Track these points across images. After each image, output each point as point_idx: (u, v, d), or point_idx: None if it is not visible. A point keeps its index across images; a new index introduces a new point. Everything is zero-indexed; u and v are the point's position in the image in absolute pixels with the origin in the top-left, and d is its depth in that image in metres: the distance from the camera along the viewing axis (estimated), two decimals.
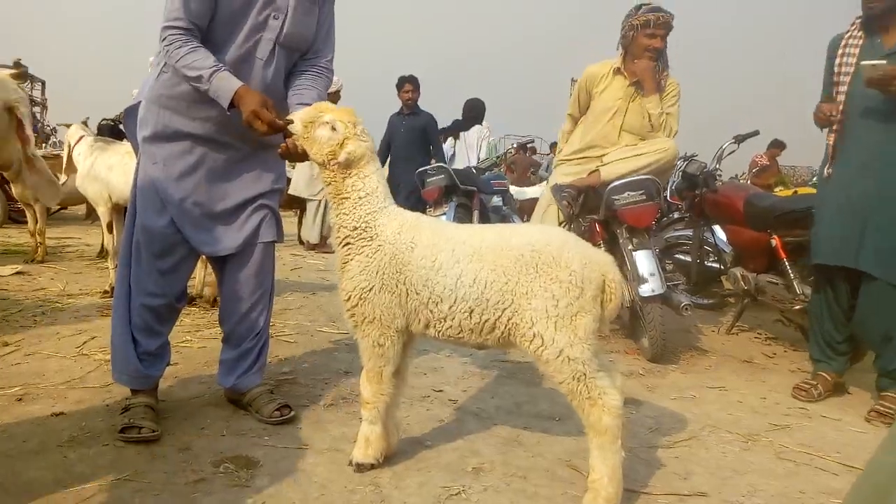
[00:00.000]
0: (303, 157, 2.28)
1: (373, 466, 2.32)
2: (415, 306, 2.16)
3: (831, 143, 3.31)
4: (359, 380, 3.19)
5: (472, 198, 5.94)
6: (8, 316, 4.10)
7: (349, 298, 2.20)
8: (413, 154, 7.14)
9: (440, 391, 3.22)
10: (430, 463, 2.43)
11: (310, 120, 2.21)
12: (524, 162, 12.61)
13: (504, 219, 6.31)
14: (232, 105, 2.39)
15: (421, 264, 2.13)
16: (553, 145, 15.96)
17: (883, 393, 3.25)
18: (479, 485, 2.28)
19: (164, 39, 2.42)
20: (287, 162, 2.73)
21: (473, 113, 8.00)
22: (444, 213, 5.91)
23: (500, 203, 6.37)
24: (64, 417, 2.60)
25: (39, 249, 6.21)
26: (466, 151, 7.77)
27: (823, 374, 3.49)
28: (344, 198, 2.20)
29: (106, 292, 4.76)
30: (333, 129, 2.18)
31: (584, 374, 2.04)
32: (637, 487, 2.30)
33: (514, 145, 8.55)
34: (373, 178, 2.23)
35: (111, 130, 7.63)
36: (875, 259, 3.13)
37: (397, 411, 2.44)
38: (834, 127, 3.28)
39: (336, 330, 4.22)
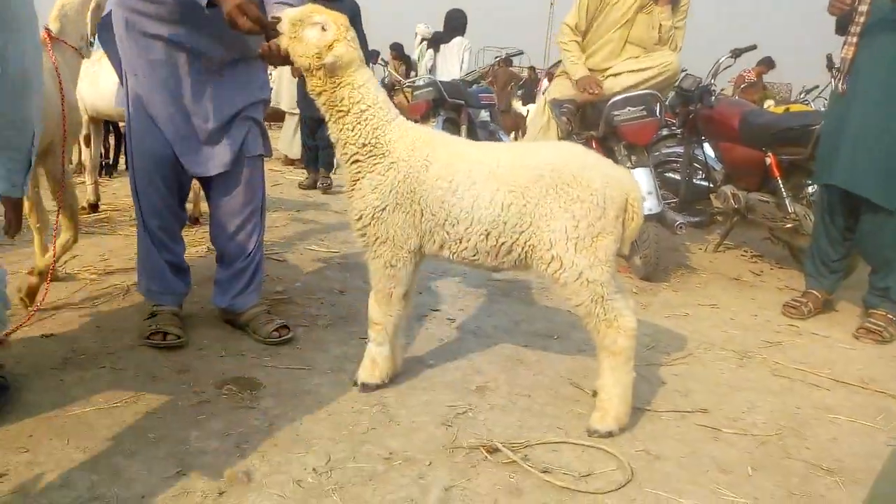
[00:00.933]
0: (283, 60, 2.13)
1: (378, 387, 2.30)
2: (429, 227, 2.08)
3: (848, 56, 3.18)
4: (354, 299, 3.21)
5: (461, 112, 5.76)
6: None
7: (360, 218, 2.11)
8: None
9: (437, 310, 3.20)
10: (434, 382, 2.42)
11: (299, 19, 2.05)
12: (504, 75, 12.28)
13: (492, 135, 6.15)
14: (211, 4, 2.20)
15: (437, 184, 2.04)
16: (531, 69, 15.60)
17: (871, 310, 3.30)
18: (485, 403, 2.28)
19: None
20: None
21: (454, 24, 7.67)
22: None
23: (488, 118, 6.19)
24: (54, 339, 2.52)
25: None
26: (447, 65, 7.50)
27: (814, 291, 3.53)
28: (341, 111, 2.07)
29: (84, 208, 4.58)
30: (324, 28, 2.03)
31: (603, 297, 2.01)
32: (640, 405, 2.32)
33: (501, 56, 8.22)
34: (369, 87, 2.10)
35: None
36: (882, 186, 3.08)
37: (402, 333, 2.40)
38: (852, 39, 3.15)
39: (325, 248, 4.14)
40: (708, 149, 4.97)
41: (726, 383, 2.61)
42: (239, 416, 2.07)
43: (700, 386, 2.56)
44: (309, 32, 2.03)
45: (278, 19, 2.08)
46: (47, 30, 2.99)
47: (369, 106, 2.08)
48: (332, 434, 2.01)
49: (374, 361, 2.28)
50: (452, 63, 7.45)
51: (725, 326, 3.27)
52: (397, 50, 12.50)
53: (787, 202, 4.02)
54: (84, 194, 4.81)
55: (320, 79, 2.06)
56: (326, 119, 2.14)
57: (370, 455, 1.91)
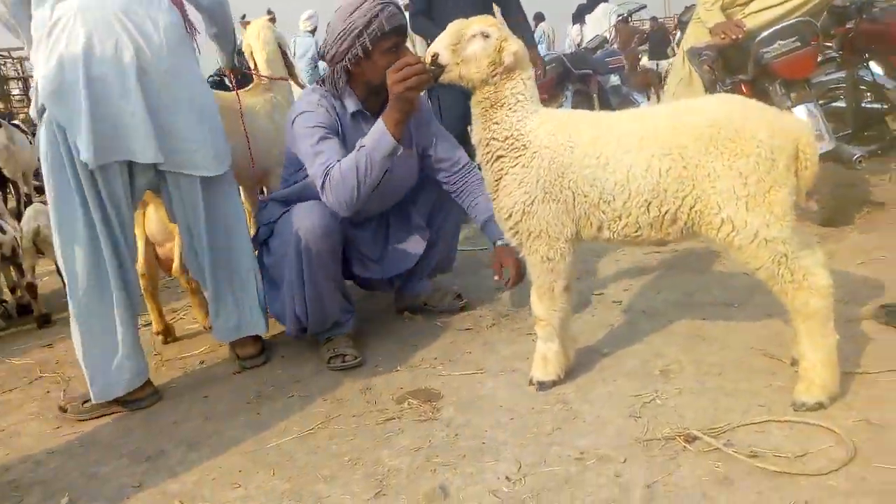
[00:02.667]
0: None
1: (554, 383, 2.24)
2: (584, 210, 1.99)
3: None
4: (513, 296, 3.17)
5: (589, 82, 5.54)
6: (167, 282, 4.31)
7: (510, 216, 2.06)
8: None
9: (601, 294, 3.08)
10: (613, 371, 2.32)
11: (455, 42, 2.01)
12: (626, 33, 11.76)
13: (625, 98, 5.87)
14: (394, 136, 2.32)
15: (585, 163, 1.95)
16: (654, 19, 14.78)
17: None
18: (671, 388, 2.15)
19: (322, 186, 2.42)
20: None
21: None
22: (561, 105, 5.56)
23: (619, 82, 5.91)
24: (247, 374, 2.69)
25: None
26: (597, 33, 7.27)
27: None
28: (499, 105, 2.02)
29: None
30: (486, 36, 1.98)
31: (786, 256, 1.82)
32: (849, 368, 2.08)
33: (622, 15, 7.84)
34: (532, 80, 2.05)
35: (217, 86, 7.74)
36: None
37: (570, 324, 2.32)
38: None
39: (475, 246, 4.13)
40: (875, 67, 4.41)
41: None
42: (424, 430, 2.09)
43: None
44: (473, 47, 2.00)
45: (435, 54, 2.04)
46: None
47: (527, 98, 2.03)
48: (518, 438, 1.98)
49: (546, 358, 2.22)
50: (602, 30, 7.22)
51: None
52: None
53: None
54: None
55: (493, 85, 2.01)
56: (475, 123, 2.09)
57: (561, 457, 1.86)
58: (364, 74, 2.56)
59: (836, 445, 1.75)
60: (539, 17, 14.44)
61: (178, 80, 2.37)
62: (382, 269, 2.89)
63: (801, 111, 3.28)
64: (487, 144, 2.06)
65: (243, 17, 3.61)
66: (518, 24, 4.19)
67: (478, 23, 2.00)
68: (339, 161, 2.40)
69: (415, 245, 2.89)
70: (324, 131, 2.49)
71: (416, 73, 2.11)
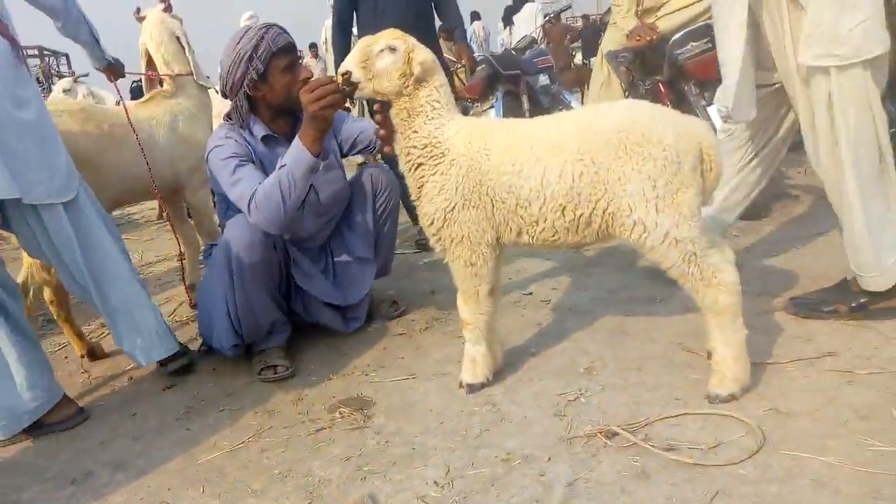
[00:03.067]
0: (383, 107, 2.12)
1: (483, 386, 2.28)
2: (503, 216, 2.04)
3: None
4: (446, 299, 3.20)
5: (519, 83, 5.62)
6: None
7: (432, 223, 2.10)
8: (412, 22, 3.63)
9: (529, 293, 3.15)
10: (539, 371, 2.38)
11: (364, 58, 2.03)
12: (557, 32, 11.92)
13: (555, 98, 5.98)
14: (312, 153, 2.33)
15: (501, 170, 1.99)
16: (585, 17, 15.04)
17: None
18: (595, 385, 2.22)
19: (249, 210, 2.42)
20: None
21: None
22: (492, 107, 5.63)
23: (548, 82, 6.02)
24: (176, 390, 2.65)
25: None
26: (523, 34, 7.37)
27: None
28: (416, 114, 2.05)
29: (183, 255, 4.80)
30: (393, 49, 2.00)
31: (695, 255, 1.91)
32: (760, 359, 2.20)
33: (549, 14, 7.96)
34: (446, 87, 2.09)
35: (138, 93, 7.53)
36: None
37: (497, 326, 2.37)
38: None
39: (410, 250, 4.15)
40: None
41: (852, 319, 2.42)
42: (355, 439, 2.11)
43: (824, 327, 2.40)
44: (382, 62, 2.02)
45: (346, 72, 2.05)
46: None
47: (442, 105, 2.06)
48: (447, 443, 2.01)
49: (474, 361, 2.26)
50: (531, 30, 7.31)
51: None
52: (446, 32, 12.38)
53: None
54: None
55: (408, 95, 2.04)
56: (398, 128, 2.10)
57: (488, 459, 1.90)
58: (265, 98, 2.62)
59: (746, 435, 1.84)
60: (475, 16, 14.54)
61: (20, 110, 2.25)
62: (331, 294, 2.87)
63: (714, 110, 3.41)
64: (408, 154, 2.09)
65: (137, 10, 3.29)
66: (449, 19, 4.19)
67: (384, 37, 2.03)
68: (260, 183, 2.41)
69: (363, 276, 2.94)
70: (238, 160, 2.52)
71: (330, 92, 2.14)
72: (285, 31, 2.60)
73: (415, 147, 2.07)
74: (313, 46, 12.70)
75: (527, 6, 7.23)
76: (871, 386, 2.00)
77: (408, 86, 2.02)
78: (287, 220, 2.42)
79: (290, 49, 2.60)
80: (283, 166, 2.35)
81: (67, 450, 2.29)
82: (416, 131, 2.05)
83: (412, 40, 2.05)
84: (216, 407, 2.45)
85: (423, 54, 2.01)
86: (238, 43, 2.56)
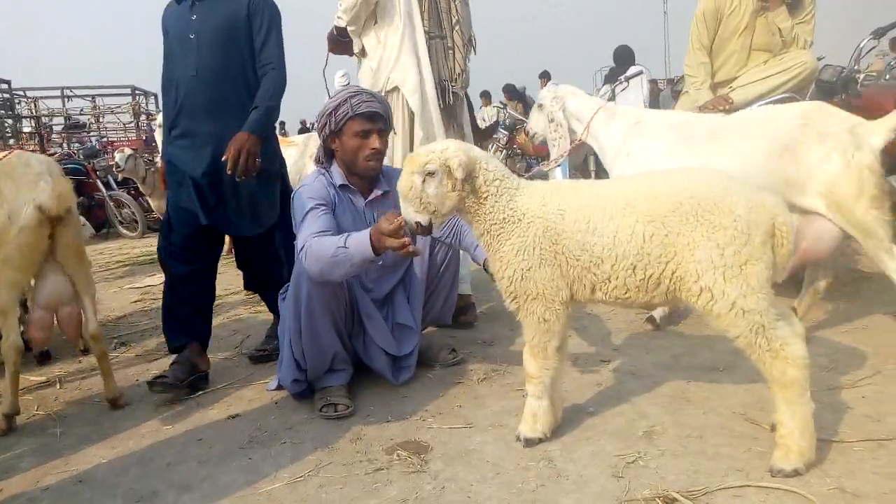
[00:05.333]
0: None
1: (541, 441, 2.30)
2: (577, 273, 2.10)
3: None
4: (503, 351, 3.24)
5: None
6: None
7: (511, 283, 2.17)
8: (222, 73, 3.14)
9: (589, 353, 3.15)
10: (598, 431, 2.38)
11: (416, 198, 2.15)
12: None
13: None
14: (375, 253, 2.47)
15: (575, 228, 2.06)
16: (653, 82, 15.18)
17: None
18: (654, 449, 2.21)
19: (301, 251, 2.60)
20: None
21: (626, 57, 8.09)
22: (559, 165, 5.69)
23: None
24: (240, 419, 2.75)
25: None
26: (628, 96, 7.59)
27: None
28: (483, 200, 2.16)
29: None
30: (430, 174, 2.13)
31: (763, 326, 1.91)
32: (827, 436, 2.15)
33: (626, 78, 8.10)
34: (491, 160, 2.20)
35: None
36: None
37: (560, 383, 2.39)
38: None
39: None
40: None
41: None
42: (412, 482, 2.14)
43: (894, 408, 2.33)
44: (430, 190, 2.14)
45: (417, 224, 2.19)
46: None
47: (501, 179, 2.17)
48: (503, 494, 2.03)
49: (535, 415, 2.29)
50: (637, 94, 7.54)
51: None
52: (510, 91, 12.67)
53: None
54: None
55: (468, 192, 2.16)
56: (472, 220, 2.22)
57: None
58: (338, 152, 2.88)
59: None
60: (545, 75, 14.86)
61: None
62: (388, 341, 2.95)
63: None
64: (487, 233, 2.19)
65: None
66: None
67: (415, 168, 2.13)
68: (322, 233, 2.59)
69: (411, 335, 3.02)
70: (314, 203, 2.73)
71: (406, 251, 2.36)
72: (376, 100, 2.84)
73: (494, 224, 2.17)
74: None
75: (632, 69, 7.47)
76: None
77: (461, 195, 2.14)
78: (326, 280, 2.59)
79: (369, 116, 2.80)
80: (345, 247, 2.48)
81: (136, 469, 2.40)
82: (490, 212, 2.16)
83: (434, 149, 2.15)
84: (278, 439, 2.53)
85: (456, 157, 2.10)
86: (330, 99, 2.86)
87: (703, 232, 1.93)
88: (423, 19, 3.38)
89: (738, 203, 1.92)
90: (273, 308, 3.46)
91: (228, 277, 5.74)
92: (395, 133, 3.29)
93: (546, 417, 2.29)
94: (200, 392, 3.03)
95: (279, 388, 2.94)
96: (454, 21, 3.45)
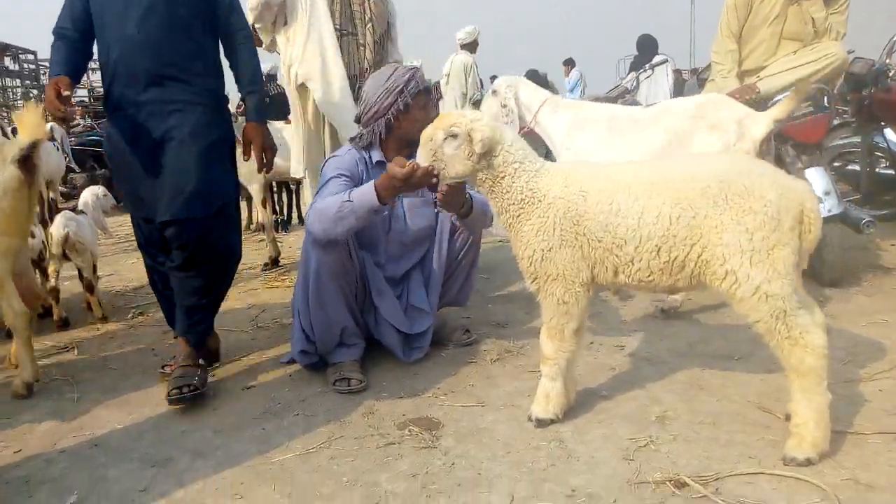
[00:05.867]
0: (458, 191, 2.42)
1: (552, 422, 2.30)
2: (599, 255, 2.09)
3: None
4: (517, 332, 3.24)
5: None
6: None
7: (530, 263, 2.17)
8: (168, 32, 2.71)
9: (605, 337, 3.14)
10: (610, 414, 2.37)
11: (431, 150, 2.18)
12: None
13: None
14: (381, 201, 2.47)
15: (598, 210, 2.05)
16: (677, 72, 15.07)
17: None
18: (666, 434, 2.20)
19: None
20: None
21: (650, 46, 8.21)
22: None
23: None
24: (254, 390, 2.77)
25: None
26: (656, 87, 7.53)
27: None
28: (501, 179, 2.15)
29: (266, 265, 5.02)
30: (453, 135, 2.13)
31: (785, 312, 1.89)
32: (842, 427, 2.13)
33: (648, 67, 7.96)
34: (516, 143, 2.18)
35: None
36: None
37: (574, 366, 2.38)
38: None
39: (485, 282, 4.21)
40: (890, 134, 4.51)
41: None
42: (423, 457, 2.15)
43: None
44: (448, 150, 2.15)
45: (423, 170, 2.22)
46: None
47: (521, 162, 2.15)
48: (513, 472, 2.03)
49: (548, 396, 2.28)
50: (662, 83, 7.53)
51: None
52: (533, 77, 12.57)
53: None
54: (264, 252, 5.29)
55: (484, 167, 2.16)
56: (488, 195, 2.23)
57: (553, 493, 1.91)
58: (402, 127, 2.86)
59: (822, 501, 1.79)
60: (570, 62, 14.74)
61: None
62: (400, 319, 2.95)
63: (811, 174, 3.36)
64: (506, 211, 2.19)
65: None
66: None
67: (442, 125, 2.15)
68: (332, 198, 2.59)
69: (426, 317, 3.02)
70: (339, 174, 2.75)
71: (424, 178, 2.29)
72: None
73: (513, 204, 2.16)
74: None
75: (657, 57, 7.43)
76: None
77: (476, 165, 2.13)
78: (330, 238, 2.59)
79: (429, 91, 2.89)
80: (349, 199, 2.51)
81: (151, 435, 2.43)
82: (507, 192, 2.15)
83: (469, 117, 2.15)
84: (291, 411, 2.55)
85: (481, 131, 2.09)
86: (390, 77, 2.83)
87: (733, 215, 1.91)
88: (334, 17, 3.56)
89: (768, 187, 1.90)
90: (190, 330, 2.82)
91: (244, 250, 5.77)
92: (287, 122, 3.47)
93: (559, 399, 2.28)
94: (217, 365, 3.06)
95: (292, 361, 2.96)
96: (367, 18, 3.63)
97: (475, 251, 3.12)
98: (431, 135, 2.18)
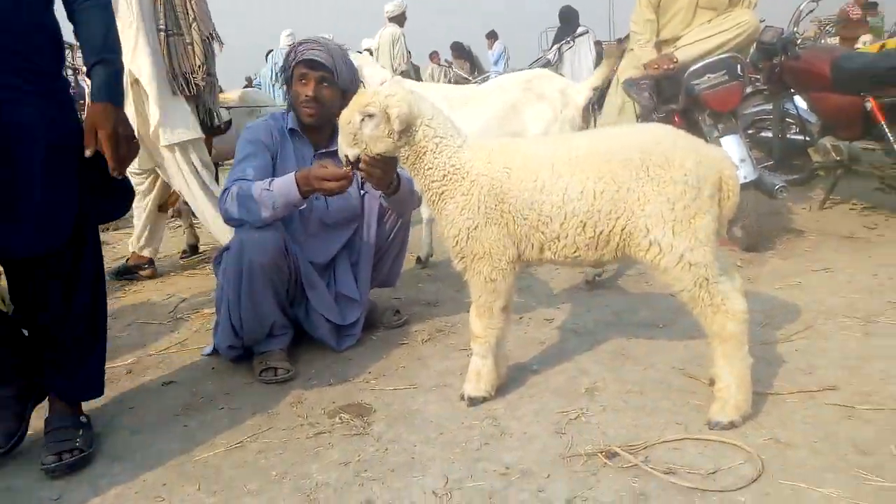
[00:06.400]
0: (386, 164, 2.26)
1: (485, 399, 2.28)
2: (524, 232, 2.06)
3: None
4: (448, 311, 3.21)
5: None
6: None
7: (456, 242, 2.13)
8: None
9: (534, 311, 3.15)
10: (541, 388, 2.38)
11: (350, 133, 2.12)
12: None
13: None
14: (301, 195, 2.47)
15: (522, 187, 2.02)
16: (598, 43, 15.26)
17: None
18: (596, 405, 2.22)
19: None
20: None
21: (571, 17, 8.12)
22: None
23: None
24: (175, 386, 2.65)
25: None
26: (578, 58, 7.57)
27: None
28: (423, 154, 2.10)
29: (185, 252, 4.82)
30: (370, 115, 2.07)
31: (707, 280, 1.92)
32: (762, 389, 2.19)
33: (570, 39, 8.03)
34: (437, 117, 2.12)
35: None
36: None
37: (504, 342, 2.37)
38: None
39: (415, 261, 4.16)
40: (799, 101, 4.68)
41: (854, 354, 2.43)
42: (354, 444, 2.11)
43: (825, 361, 2.40)
44: (366, 130, 2.09)
45: (346, 157, 2.18)
46: None
47: (442, 137, 2.10)
48: (446, 453, 2.01)
49: (479, 374, 2.27)
50: (585, 56, 7.59)
51: (844, 291, 3.06)
52: (458, 49, 12.51)
53: (895, 146, 3.72)
54: (182, 239, 5.06)
55: (405, 143, 2.10)
56: (411, 172, 2.18)
57: (487, 472, 1.90)
58: (292, 97, 2.83)
59: (745, 463, 1.84)
60: (493, 35, 14.70)
61: None
62: (331, 310, 2.87)
63: (727, 142, 3.45)
64: (429, 188, 2.14)
65: None
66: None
67: (358, 106, 2.09)
68: (248, 180, 2.56)
69: (355, 306, 2.95)
70: (252, 147, 2.71)
71: (339, 181, 2.37)
72: (323, 49, 2.75)
73: (435, 181, 2.11)
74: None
75: (579, 29, 7.57)
76: (871, 422, 2.00)
77: (398, 143, 2.08)
78: (240, 222, 2.57)
79: (310, 63, 2.72)
80: (269, 189, 2.47)
81: None
82: (430, 168, 2.10)
83: (384, 93, 2.08)
84: (215, 406, 2.45)
85: (397, 107, 2.03)
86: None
87: (654, 186, 1.92)
88: (158, 17, 3.64)
89: (687, 157, 1.92)
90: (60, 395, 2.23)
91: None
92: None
93: (490, 376, 2.27)
94: (129, 360, 2.90)
95: (215, 352, 2.85)
96: (191, 19, 3.74)
97: (405, 232, 3.05)
98: (349, 117, 2.11)
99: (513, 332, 2.87)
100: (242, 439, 2.19)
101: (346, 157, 2.18)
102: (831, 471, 1.78)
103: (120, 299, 3.87)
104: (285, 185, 2.46)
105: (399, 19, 8.62)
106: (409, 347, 2.85)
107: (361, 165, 2.19)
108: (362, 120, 2.08)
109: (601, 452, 1.92)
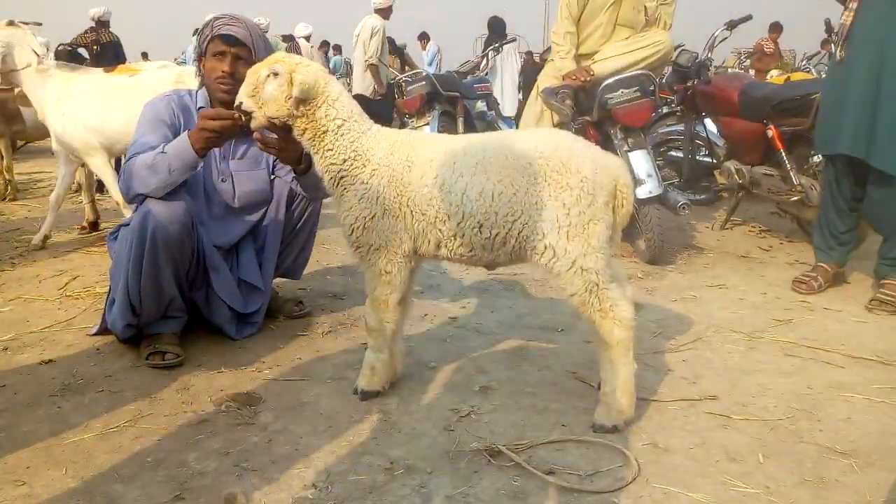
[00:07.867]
0: (283, 130, 2.15)
1: (378, 394, 2.26)
2: (421, 227, 2.05)
3: (847, 22, 3.10)
4: (353, 304, 3.18)
5: (457, 104, 5.69)
6: None
7: (352, 231, 2.09)
8: None
9: (438, 309, 3.16)
10: (436, 384, 2.38)
11: (252, 86, 2.07)
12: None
13: (490, 125, 6.09)
14: (197, 153, 2.38)
15: (422, 182, 2.00)
16: (529, 53, 15.51)
17: (883, 280, 3.23)
18: (488, 404, 2.24)
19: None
20: None
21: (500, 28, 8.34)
22: (427, 125, 5.66)
23: (485, 108, 6.12)
24: (54, 365, 2.50)
25: (9, 187, 5.97)
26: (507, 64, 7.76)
27: (823, 264, 3.45)
28: (322, 133, 2.06)
29: (84, 228, 4.58)
30: (275, 74, 2.03)
31: (597, 285, 1.96)
32: (647, 395, 2.27)
33: (497, 46, 8.21)
34: (343, 100, 2.08)
35: (69, 57, 7.20)
36: (887, 153, 3.00)
37: (402, 337, 2.36)
38: (851, 5, 3.07)
39: (325, 252, 4.10)
40: (710, 124, 4.89)
41: (736, 367, 2.55)
42: (238, 434, 2.04)
43: (709, 371, 2.50)
44: (268, 88, 2.04)
45: (239, 104, 2.11)
46: None
47: (345, 119, 2.06)
48: (333, 447, 1.98)
49: (373, 368, 2.25)
50: (513, 65, 7.75)
51: (734, 307, 3.21)
52: (390, 44, 12.42)
53: (791, 174, 3.94)
54: (84, 214, 4.80)
55: (303, 114, 2.05)
56: (311, 149, 2.12)
57: (371, 466, 1.88)
58: (205, 74, 2.71)
59: (623, 466, 1.89)
60: (424, 36, 14.69)
61: None
62: (233, 296, 2.78)
63: (636, 156, 3.56)
64: (328, 170, 2.10)
65: None
66: None
67: (267, 62, 2.06)
68: (146, 153, 2.45)
69: (257, 295, 2.87)
70: (150, 126, 2.59)
71: (223, 121, 2.27)
72: (241, 25, 2.65)
73: (333, 164, 2.07)
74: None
75: (509, 37, 7.83)
76: (744, 431, 2.09)
77: (295, 110, 2.03)
78: (144, 193, 2.44)
79: (227, 39, 2.62)
80: (164, 152, 2.39)
81: None
82: (330, 149, 2.06)
83: (296, 60, 2.06)
84: (94, 387, 2.33)
85: (304, 74, 2.01)
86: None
87: (551, 191, 1.94)
88: None
89: (585, 164, 1.95)
90: None
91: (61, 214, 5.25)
92: None
93: (385, 371, 2.25)
94: (4, 336, 2.73)
95: (104, 331, 2.71)
96: None
97: (314, 221, 2.99)
98: (257, 69, 2.07)
99: (415, 328, 2.87)
100: (120, 424, 2.09)
101: (240, 104, 2.10)
102: (702, 476, 1.85)
103: (5, 272, 3.64)
104: (179, 144, 2.37)
105: (384, 12, 8.41)
106: (308, 339, 2.80)
107: (253, 124, 2.12)
108: (267, 76, 2.04)
109: (486, 450, 1.93)
